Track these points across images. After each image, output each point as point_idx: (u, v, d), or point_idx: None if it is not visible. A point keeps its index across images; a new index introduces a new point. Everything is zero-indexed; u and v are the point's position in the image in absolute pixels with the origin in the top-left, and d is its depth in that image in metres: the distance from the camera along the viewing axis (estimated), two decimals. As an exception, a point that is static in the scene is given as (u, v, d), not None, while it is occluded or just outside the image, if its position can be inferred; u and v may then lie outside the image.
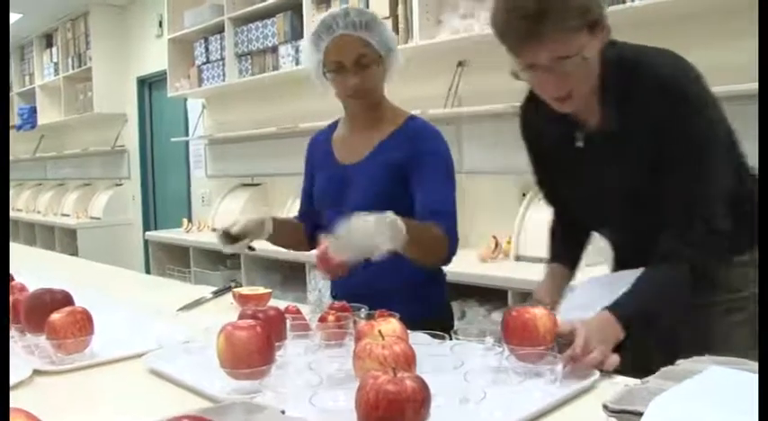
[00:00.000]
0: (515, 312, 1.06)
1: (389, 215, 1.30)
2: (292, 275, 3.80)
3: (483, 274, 2.70)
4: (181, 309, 1.66)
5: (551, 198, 1.54)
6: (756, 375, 0.78)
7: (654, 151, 1.19)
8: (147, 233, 5.11)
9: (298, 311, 1.28)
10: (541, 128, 1.40)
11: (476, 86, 3.29)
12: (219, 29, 4.49)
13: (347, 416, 0.79)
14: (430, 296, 1.66)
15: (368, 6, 3.50)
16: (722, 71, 2.10)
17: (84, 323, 1.18)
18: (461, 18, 3.12)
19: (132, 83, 6.16)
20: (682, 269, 1.17)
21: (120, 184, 6.41)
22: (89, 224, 6.14)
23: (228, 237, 1.60)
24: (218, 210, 4.71)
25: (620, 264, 1.43)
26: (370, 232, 1.25)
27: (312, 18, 3.79)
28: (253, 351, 0.97)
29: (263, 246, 3.76)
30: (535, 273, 2.40)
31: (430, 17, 3.23)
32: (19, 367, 1.11)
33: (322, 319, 1.21)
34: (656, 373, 0.81)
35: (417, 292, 1.60)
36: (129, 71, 6.17)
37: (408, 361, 0.90)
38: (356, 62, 1.53)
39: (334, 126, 1.78)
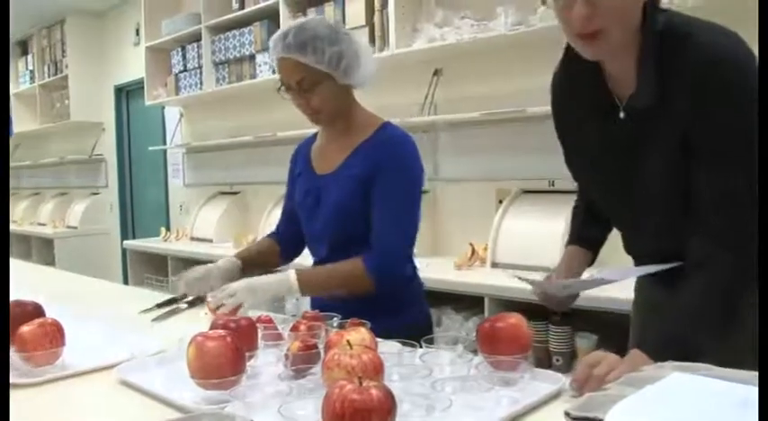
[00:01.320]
0: (489, 321, 1.07)
1: (290, 275, 1.49)
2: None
3: (459, 281, 2.72)
4: (155, 319, 1.66)
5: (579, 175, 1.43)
6: (719, 380, 0.80)
7: (691, 136, 1.11)
8: (125, 242, 5.08)
9: (270, 321, 1.28)
10: (579, 97, 1.28)
11: (452, 94, 3.32)
12: (196, 37, 4.49)
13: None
14: (408, 305, 1.67)
15: (344, 15, 3.52)
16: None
17: (54, 335, 1.18)
18: (437, 27, 3.14)
19: (109, 91, 6.12)
20: (722, 275, 1.09)
21: (98, 193, 6.36)
22: (66, 233, 6.09)
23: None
24: (196, 219, 4.70)
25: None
26: (266, 294, 1.47)
27: (288, 25, 3.80)
28: (222, 361, 0.97)
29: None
30: (511, 280, 2.44)
31: (406, 25, 3.25)
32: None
33: (294, 329, 1.21)
34: (620, 380, 0.82)
35: (395, 301, 1.60)
36: (106, 79, 6.14)
37: (376, 369, 0.91)
38: (298, 84, 1.53)
39: (314, 137, 1.79)
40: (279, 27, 3.79)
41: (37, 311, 1.26)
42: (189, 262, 4.39)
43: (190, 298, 1.78)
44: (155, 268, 4.70)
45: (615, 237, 1.44)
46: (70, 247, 5.95)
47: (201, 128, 5.04)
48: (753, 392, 0.72)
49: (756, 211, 1.07)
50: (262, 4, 3.96)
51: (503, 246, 2.90)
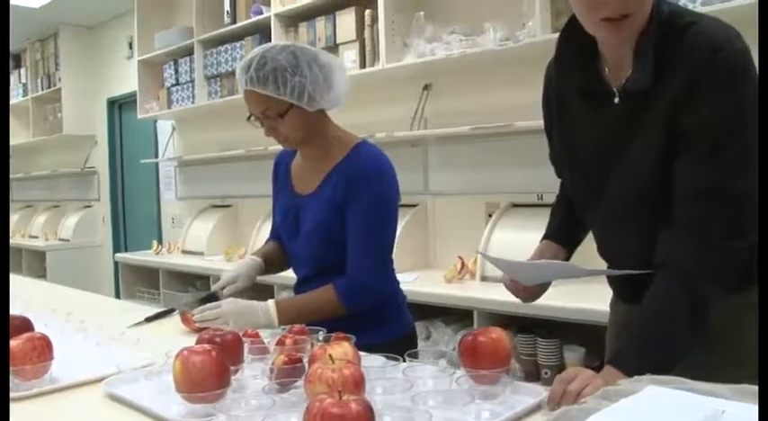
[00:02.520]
0: (471, 335, 1.09)
1: (269, 306, 1.56)
2: (260, 296, 3.76)
3: (449, 295, 2.73)
4: (131, 326, 1.71)
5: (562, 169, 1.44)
6: (692, 394, 0.82)
7: (682, 124, 1.11)
8: (117, 255, 5.08)
9: (256, 335, 1.29)
10: (573, 83, 1.28)
11: (441, 109, 3.35)
12: (189, 51, 4.51)
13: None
14: (391, 320, 1.68)
15: (335, 31, 3.56)
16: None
17: (42, 349, 1.19)
18: (427, 42, 3.18)
19: (102, 104, 6.14)
20: (685, 271, 1.09)
21: (90, 206, 6.36)
22: (58, 246, 6.08)
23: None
24: (188, 232, 4.70)
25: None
26: (243, 319, 1.51)
27: (280, 40, 3.83)
28: (207, 375, 0.99)
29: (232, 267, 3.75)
30: (501, 294, 2.46)
31: (396, 41, 3.28)
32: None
33: (279, 343, 1.22)
34: (595, 394, 0.84)
35: (378, 317, 1.62)
36: (98, 92, 6.16)
37: (357, 383, 0.92)
38: (263, 114, 1.56)
39: (294, 150, 1.79)
40: (270, 41, 3.86)
41: (25, 325, 1.28)
42: (181, 275, 4.41)
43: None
44: (146, 281, 4.70)
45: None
46: (62, 260, 5.94)
47: (193, 141, 5.06)
48: (724, 405, 0.74)
49: (736, 211, 1.08)
50: (254, 19, 3.99)
51: (492, 260, 2.92)
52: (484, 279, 2.91)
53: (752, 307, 1.16)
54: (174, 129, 5.21)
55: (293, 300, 1.67)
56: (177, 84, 4.66)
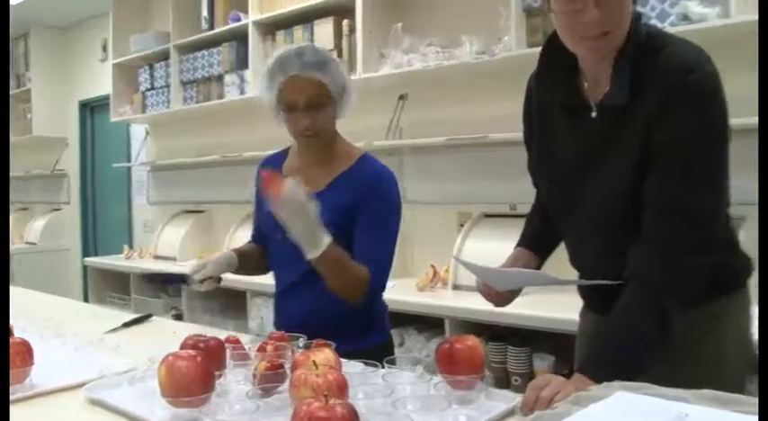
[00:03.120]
0: (448, 343, 1.13)
1: (326, 238, 1.46)
2: (233, 303, 3.80)
3: (422, 303, 2.77)
4: (108, 331, 1.72)
5: (541, 184, 1.49)
6: (659, 398, 0.86)
7: (654, 142, 1.16)
8: (87, 259, 5.03)
9: (237, 341, 1.32)
10: (554, 97, 1.33)
11: (416, 119, 3.40)
12: (165, 56, 4.50)
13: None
14: (373, 328, 1.70)
15: (312, 40, 3.59)
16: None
17: (23, 354, 1.20)
18: (404, 53, 3.22)
19: (74, 106, 6.08)
20: (650, 288, 1.14)
21: (59, 209, 6.29)
22: (25, 249, 6.00)
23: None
24: (160, 237, 4.68)
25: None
26: (300, 212, 1.43)
27: (258, 48, 3.86)
28: (192, 380, 1.01)
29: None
30: (472, 302, 2.51)
31: (373, 51, 3.33)
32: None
33: (261, 349, 1.25)
34: (567, 399, 0.88)
35: (361, 323, 1.64)
36: (70, 94, 6.10)
37: (341, 388, 0.96)
38: (308, 103, 1.57)
39: (284, 154, 1.80)
40: (247, 49, 3.88)
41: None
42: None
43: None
44: (117, 286, 4.66)
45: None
46: (29, 264, 5.85)
47: (167, 146, 5.04)
48: (687, 408, 0.79)
49: (702, 229, 1.14)
50: (231, 26, 4.01)
51: (464, 269, 2.96)
52: (456, 287, 2.96)
53: (714, 318, 1.23)
54: (147, 133, 5.18)
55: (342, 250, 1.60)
56: (152, 88, 4.64)
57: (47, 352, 1.29)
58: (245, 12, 3.93)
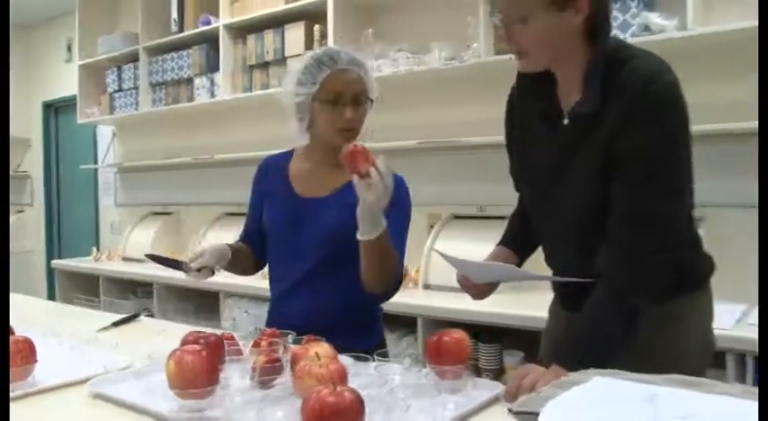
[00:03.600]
0: (436, 336, 1.21)
1: (384, 222, 1.49)
2: (205, 304, 3.83)
3: (393, 302, 2.80)
4: (101, 329, 1.77)
5: (522, 188, 1.57)
6: (632, 382, 0.96)
7: (618, 148, 1.24)
8: (54, 261, 4.98)
9: (232, 338, 1.38)
10: (532, 105, 1.43)
11: (387, 123, 3.47)
12: (133, 57, 4.50)
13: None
14: (368, 330, 1.74)
15: (283, 44, 3.64)
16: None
17: (26, 352, 1.25)
18: (375, 58, 3.30)
19: (37, 107, 6.02)
20: (616, 288, 1.22)
21: (22, 211, 6.21)
22: (-13, 252, 5.91)
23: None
24: (128, 239, 4.68)
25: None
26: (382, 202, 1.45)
27: (228, 52, 3.89)
28: (199, 373, 1.07)
29: (176, 275, 3.78)
30: (443, 301, 2.60)
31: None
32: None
33: (255, 345, 1.31)
34: (551, 383, 0.97)
35: (356, 326, 1.67)
36: (33, 95, 6.04)
37: (342, 378, 1.03)
38: (354, 97, 1.61)
39: (287, 156, 1.82)
40: (218, 52, 3.91)
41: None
42: (121, 282, 4.38)
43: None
44: (84, 288, 4.62)
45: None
46: (-9, 266, 5.77)
47: (134, 147, 5.03)
48: (657, 390, 0.88)
49: (664, 231, 1.23)
50: (202, 29, 4.03)
51: (434, 269, 3.05)
52: (426, 287, 3.04)
53: (677, 316, 1.33)
54: (114, 134, 5.16)
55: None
56: (120, 90, 4.63)
57: (47, 350, 1.33)
58: (216, 15, 3.96)
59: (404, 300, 2.88)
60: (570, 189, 1.34)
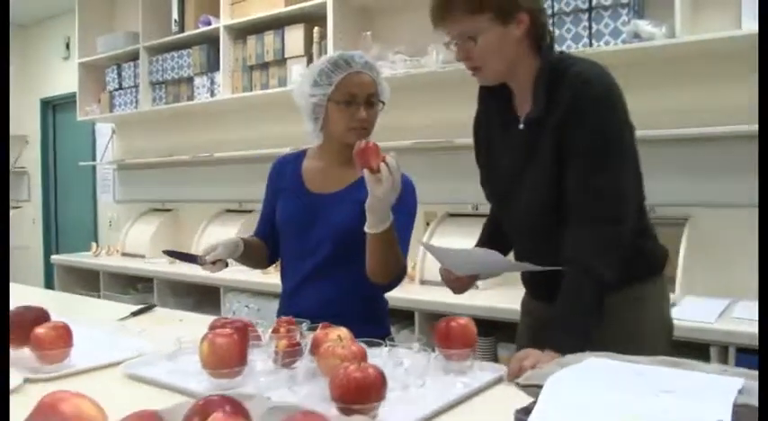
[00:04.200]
0: (444, 322, 1.32)
1: (391, 216, 1.59)
2: (206, 299, 3.92)
3: (392, 296, 2.92)
4: (123, 318, 1.86)
5: (490, 194, 1.70)
6: (622, 362, 1.07)
7: (567, 142, 1.39)
8: (54, 256, 5.04)
9: (251, 324, 1.47)
10: (494, 115, 1.59)
11: (385, 123, 3.55)
12: (133, 56, 4.58)
13: (322, 398, 1.02)
14: (376, 322, 1.84)
15: (283, 45, 3.73)
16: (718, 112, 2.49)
17: (65, 336, 1.35)
18: (373, 60, 3.40)
19: (35, 104, 6.08)
20: (583, 253, 1.36)
21: (19, 207, 6.27)
22: (-16, 247, 5.97)
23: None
24: (127, 235, 4.75)
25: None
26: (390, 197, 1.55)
27: (229, 52, 3.98)
28: (231, 354, 1.18)
29: (176, 270, 3.86)
30: (438, 296, 2.71)
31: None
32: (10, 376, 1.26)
33: (275, 331, 1.41)
34: (550, 362, 1.08)
35: (364, 318, 1.74)
36: (31, 92, 6.10)
37: (363, 357, 1.14)
38: (367, 98, 1.73)
39: (300, 155, 1.92)
40: (219, 52, 4.00)
41: (44, 315, 1.42)
42: (120, 277, 4.46)
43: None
44: (84, 284, 4.68)
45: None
46: (-12, 261, 5.83)
47: (133, 144, 5.11)
48: (646, 368, 1.00)
49: (615, 206, 1.37)
50: (202, 29, 4.12)
51: (430, 265, 3.15)
52: (423, 282, 3.15)
53: (635, 300, 1.48)
54: (113, 132, 5.23)
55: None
56: (120, 88, 4.71)
57: (79, 336, 1.42)
58: (216, 16, 4.05)
59: (401, 294, 2.98)
60: (527, 189, 1.49)
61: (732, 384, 0.87)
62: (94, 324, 1.66)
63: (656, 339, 1.52)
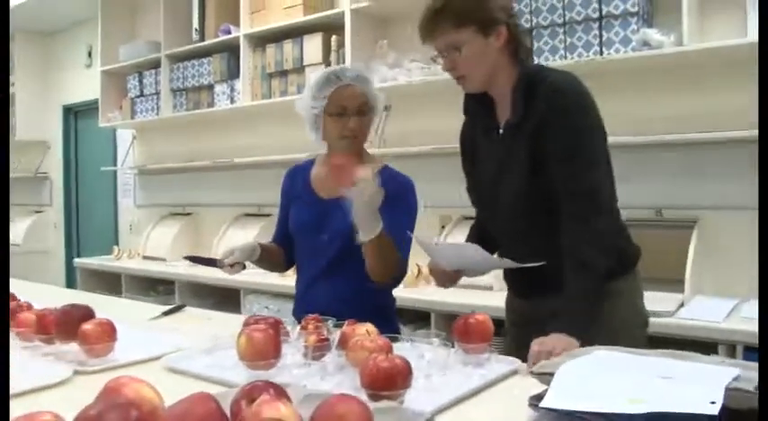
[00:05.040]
0: (463, 318, 1.41)
1: (381, 224, 1.71)
2: (226, 300, 4.01)
3: (409, 298, 3.04)
4: (155, 317, 1.97)
5: (476, 200, 1.84)
6: (626, 353, 1.16)
7: (546, 145, 1.53)
8: (76, 260, 5.17)
9: (281, 321, 1.57)
10: (477, 124, 1.74)
11: (399, 129, 3.67)
12: (155, 64, 4.69)
13: (351, 387, 1.11)
14: (384, 318, 1.86)
15: (302, 53, 3.84)
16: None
17: (110, 332, 1.45)
18: (389, 68, 3.50)
19: (57, 110, 6.22)
20: (580, 242, 1.48)
21: (41, 211, 6.41)
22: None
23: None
24: (148, 238, 4.87)
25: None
26: (372, 206, 1.68)
27: (248, 59, 4.09)
28: (268, 348, 1.28)
29: (197, 272, 3.96)
30: (454, 297, 2.80)
31: (360, 66, 3.58)
32: (59, 369, 1.37)
33: (303, 327, 1.51)
34: (562, 354, 1.17)
35: (374, 314, 1.84)
36: (53, 99, 6.24)
37: (389, 350, 1.23)
38: (358, 109, 1.85)
39: (310, 163, 2.05)
40: (239, 60, 4.11)
41: (90, 313, 1.52)
42: (142, 280, 4.57)
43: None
44: (106, 286, 4.78)
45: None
46: (12, 265, 5.90)
47: (154, 150, 5.24)
48: (649, 359, 1.09)
49: (596, 197, 1.50)
50: (222, 38, 4.23)
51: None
52: (439, 283, 3.24)
53: (615, 294, 1.57)
54: (134, 138, 5.36)
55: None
56: (142, 95, 4.83)
57: (119, 332, 1.52)
58: (236, 25, 4.16)
59: (418, 295, 3.08)
60: (504, 193, 1.62)
61: (727, 372, 0.96)
62: (130, 322, 1.75)
63: (633, 330, 1.64)
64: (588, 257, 1.46)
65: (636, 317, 1.68)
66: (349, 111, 1.85)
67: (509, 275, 1.78)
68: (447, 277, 1.77)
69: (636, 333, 1.64)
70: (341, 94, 1.85)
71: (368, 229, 1.71)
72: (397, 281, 1.90)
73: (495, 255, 1.72)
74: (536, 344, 1.36)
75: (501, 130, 1.65)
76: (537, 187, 1.56)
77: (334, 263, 1.90)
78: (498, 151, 1.65)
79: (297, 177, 2.06)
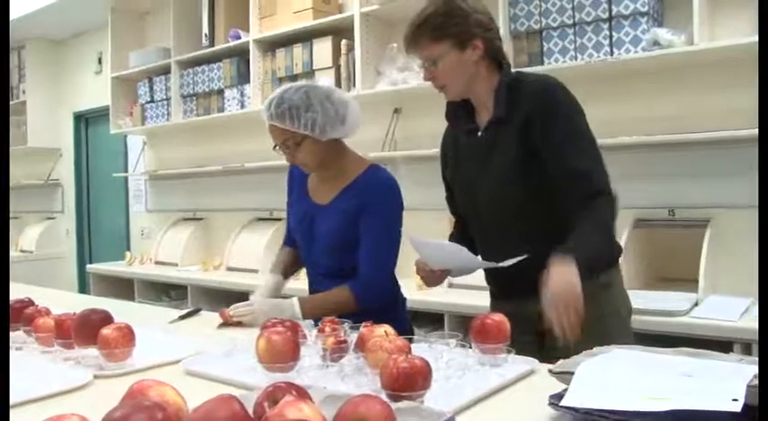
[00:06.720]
0: (480, 319, 1.41)
1: (294, 302, 1.84)
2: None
3: (421, 300, 3.05)
4: (173, 321, 2.01)
5: (454, 205, 1.95)
6: (644, 352, 1.16)
7: (530, 139, 1.62)
8: (89, 266, 5.20)
9: (298, 325, 1.58)
10: (459, 127, 1.82)
11: (409, 131, 3.68)
12: (165, 70, 4.72)
13: (371, 389, 1.12)
14: (394, 318, 1.94)
15: (312, 58, 3.85)
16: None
17: (128, 337, 1.46)
18: (399, 71, 3.51)
19: (68, 117, 6.26)
20: (611, 202, 1.60)
21: (53, 218, 6.45)
22: (21, 257, 6.15)
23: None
24: (160, 244, 4.89)
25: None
26: (272, 313, 1.79)
27: (258, 64, 4.10)
28: (286, 350, 1.28)
29: (209, 277, 3.97)
30: (467, 299, 2.80)
31: (370, 69, 3.61)
32: (79, 373, 1.38)
33: (321, 330, 1.51)
34: (582, 353, 1.18)
35: (383, 314, 1.85)
36: (64, 106, 6.28)
37: (408, 351, 1.23)
38: (282, 144, 1.88)
39: None
40: (249, 65, 4.13)
41: (109, 318, 1.53)
42: (154, 285, 4.60)
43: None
44: (118, 292, 4.78)
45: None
46: (24, 271, 5.98)
47: (165, 155, 5.26)
48: (666, 357, 1.09)
49: (589, 179, 1.59)
50: (232, 43, 4.25)
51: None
52: (451, 286, 3.24)
53: (604, 285, 1.69)
54: (144, 143, 5.39)
55: (314, 297, 1.95)
56: (152, 101, 4.86)
57: (138, 336, 1.53)
58: (245, 30, 4.18)
59: (432, 298, 3.08)
60: (489, 182, 1.71)
61: (747, 370, 0.96)
62: (147, 326, 1.77)
63: (624, 317, 1.76)
64: (600, 214, 1.58)
65: (624, 305, 1.78)
66: (281, 147, 1.90)
67: (491, 277, 1.85)
68: (432, 276, 1.83)
69: (626, 320, 1.77)
70: (269, 130, 1.90)
71: (288, 315, 1.78)
72: (373, 304, 1.88)
73: (479, 257, 1.79)
74: (546, 307, 1.43)
75: (480, 133, 1.74)
76: (523, 175, 1.65)
77: (329, 271, 1.95)
78: (479, 148, 1.74)
79: (296, 176, 2.10)
